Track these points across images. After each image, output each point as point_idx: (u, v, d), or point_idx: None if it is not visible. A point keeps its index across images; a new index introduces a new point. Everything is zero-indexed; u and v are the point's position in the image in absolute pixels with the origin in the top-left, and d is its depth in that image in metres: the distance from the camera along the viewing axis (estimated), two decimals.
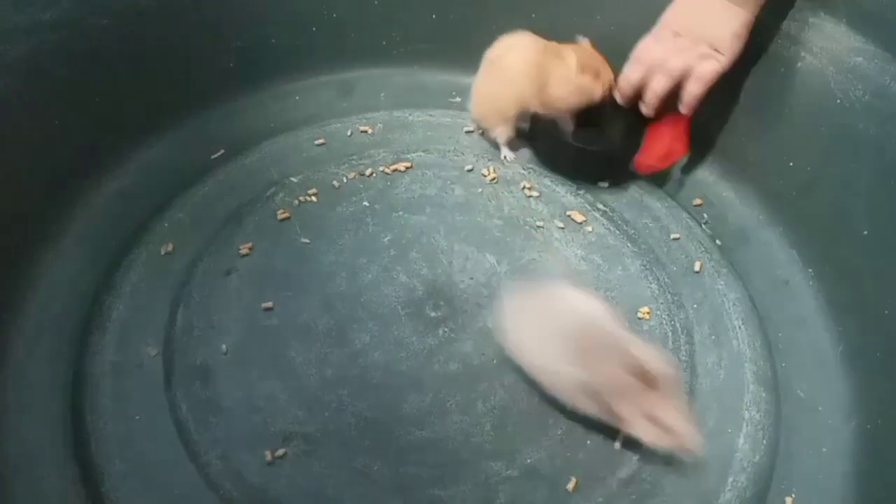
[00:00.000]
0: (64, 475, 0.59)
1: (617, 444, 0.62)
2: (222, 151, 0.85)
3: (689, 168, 0.87)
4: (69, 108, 0.76)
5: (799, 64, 0.77)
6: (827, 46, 0.75)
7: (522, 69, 0.80)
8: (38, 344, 0.66)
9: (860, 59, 0.72)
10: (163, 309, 0.70)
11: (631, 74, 0.76)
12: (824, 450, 0.63)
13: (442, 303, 0.71)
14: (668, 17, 0.76)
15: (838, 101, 0.74)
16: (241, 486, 0.59)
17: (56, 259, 0.72)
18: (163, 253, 0.74)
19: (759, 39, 0.79)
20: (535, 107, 0.81)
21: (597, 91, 0.79)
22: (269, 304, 0.70)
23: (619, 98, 0.79)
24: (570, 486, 0.60)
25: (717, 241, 0.80)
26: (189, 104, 0.87)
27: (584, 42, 0.80)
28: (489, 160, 0.86)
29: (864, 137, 0.72)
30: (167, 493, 0.58)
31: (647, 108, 0.77)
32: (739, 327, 0.72)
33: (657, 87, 0.75)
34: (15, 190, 0.70)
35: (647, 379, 0.56)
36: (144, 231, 0.76)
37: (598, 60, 0.79)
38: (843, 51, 0.74)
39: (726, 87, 0.83)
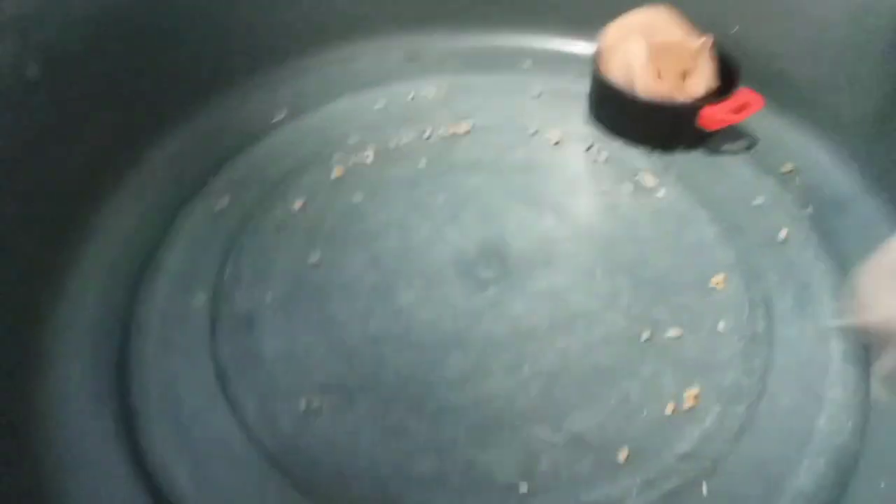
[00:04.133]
0: (104, 418, 0.59)
1: (677, 416, 0.56)
2: (284, 113, 0.85)
3: (777, 130, 0.79)
4: (136, 66, 0.78)
5: None
6: None
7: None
8: (90, 290, 0.67)
9: None
10: (214, 261, 0.70)
11: None
12: None
13: (494, 263, 0.68)
14: None
15: None
16: (274, 434, 0.57)
17: (114, 212, 0.74)
18: (217, 208, 0.74)
19: None
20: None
21: (659, 91, 0.73)
22: (316, 258, 0.68)
23: None
24: (622, 457, 0.54)
25: (808, 209, 0.72)
26: (253, 66, 0.88)
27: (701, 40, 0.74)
28: (555, 124, 0.82)
29: None
30: (202, 438, 0.57)
31: None
32: (828, 301, 0.64)
33: None
34: (80, 143, 0.72)
35: None
36: (202, 187, 0.77)
37: (675, 59, 0.73)
38: None
39: (819, 44, 0.75)
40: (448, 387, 0.59)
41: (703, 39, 0.73)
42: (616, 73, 0.76)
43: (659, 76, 0.73)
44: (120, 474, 0.56)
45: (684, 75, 0.74)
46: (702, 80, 0.74)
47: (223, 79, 0.85)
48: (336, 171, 0.77)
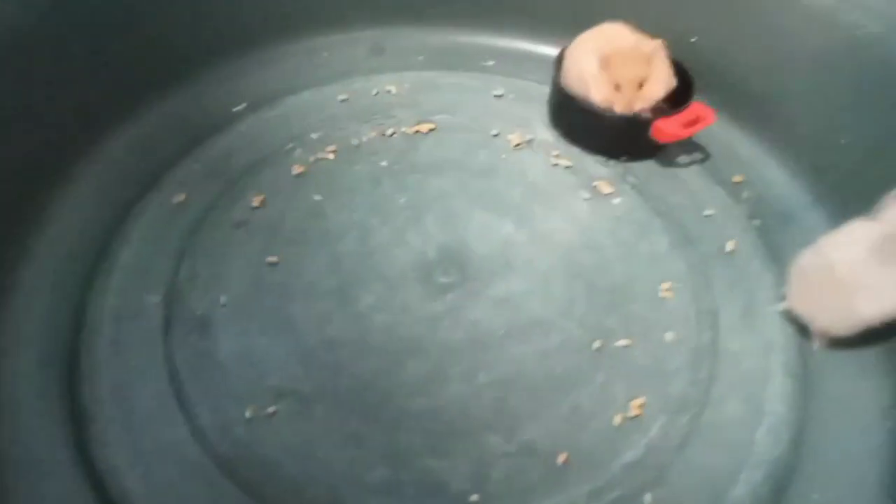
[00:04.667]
0: (53, 416, 0.58)
1: (624, 426, 0.58)
2: (245, 104, 0.83)
3: (730, 142, 0.81)
4: (91, 51, 0.75)
5: (858, 31, 0.71)
6: (891, 12, 0.68)
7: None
8: (42, 284, 0.65)
9: None
10: (169, 258, 0.68)
11: None
12: (855, 450, 0.58)
13: (453, 268, 0.68)
14: None
15: None
16: (227, 440, 0.57)
17: (68, 203, 0.72)
18: (175, 202, 0.73)
19: (814, 2, 0.72)
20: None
21: (618, 102, 0.74)
22: (275, 258, 0.68)
23: None
24: (571, 466, 0.56)
25: (756, 221, 0.74)
26: (214, 56, 0.85)
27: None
28: (517, 126, 0.82)
29: None
30: (153, 441, 0.57)
31: None
32: (772, 314, 0.66)
33: None
34: (33, 131, 0.70)
35: None
36: (158, 180, 0.75)
37: (630, 67, 0.73)
38: None
39: (776, 57, 0.77)
40: (405, 394, 0.60)
41: (655, 43, 0.74)
42: (573, 86, 0.76)
43: (617, 88, 0.73)
44: (68, 476, 0.55)
45: (641, 83, 0.74)
46: (659, 84, 0.75)
47: (182, 68, 0.83)
48: (297, 168, 0.76)
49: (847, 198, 0.70)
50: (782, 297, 0.65)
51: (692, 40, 0.82)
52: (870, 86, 0.70)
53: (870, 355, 0.62)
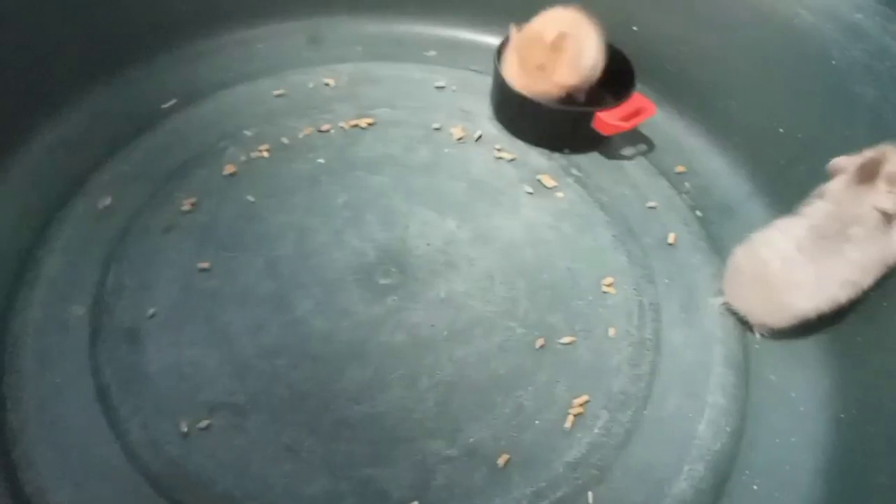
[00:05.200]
0: None
1: (567, 425, 0.58)
2: (175, 101, 0.80)
3: (673, 133, 0.81)
4: (9, 47, 0.71)
5: (795, 20, 0.71)
6: (825, 2, 0.68)
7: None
8: None
9: (860, 15, 0.66)
10: (95, 266, 0.65)
11: None
12: (793, 440, 0.59)
13: (394, 269, 0.67)
14: None
15: (834, 62, 0.68)
16: (159, 458, 0.55)
17: None
18: (101, 207, 0.70)
19: None
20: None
21: (519, 82, 0.74)
22: (207, 264, 0.65)
23: None
24: (514, 467, 0.55)
25: (698, 213, 0.74)
26: (142, 50, 0.82)
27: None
28: (459, 119, 0.81)
29: (860, 102, 0.66)
30: (83, 460, 0.54)
31: None
32: (711, 305, 0.66)
33: None
34: None
35: None
36: (84, 183, 0.71)
37: (533, 51, 0.72)
38: (843, 6, 0.67)
39: (717, 47, 0.77)
40: (345, 401, 0.58)
41: (557, 34, 0.72)
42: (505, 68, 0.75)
43: (521, 67, 0.73)
44: None
45: (543, 68, 0.73)
46: (567, 70, 0.73)
47: (109, 63, 0.79)
48: (229, 167, 0.73)
49: (784, 189, 0.71)
50: (720, 292, 0.65)
51: (633, 28, 0.81)
52: (806, 76, 0.70)
53: (809, 346, 0.63)
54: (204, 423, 0.56)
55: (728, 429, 0.59)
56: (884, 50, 0.64)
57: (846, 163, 0.58)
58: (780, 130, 0.73)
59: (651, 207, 0.74)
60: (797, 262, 0.58)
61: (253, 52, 0.86)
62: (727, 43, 0.77)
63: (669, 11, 0.80)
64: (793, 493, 0.56)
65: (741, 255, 0.62)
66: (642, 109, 0.73)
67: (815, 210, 0.59)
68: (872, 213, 0.57)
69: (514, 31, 0.74)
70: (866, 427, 0.56)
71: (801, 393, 0.61)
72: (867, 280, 0.58)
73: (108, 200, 0.70)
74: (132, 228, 0.68)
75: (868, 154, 0.57)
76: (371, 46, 0.88)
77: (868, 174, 0.56)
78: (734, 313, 0.64)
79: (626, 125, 0.72)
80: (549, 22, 0.74)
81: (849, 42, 0.66)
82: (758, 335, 0.64)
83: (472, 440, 0.57)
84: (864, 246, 0.57)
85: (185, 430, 0.56)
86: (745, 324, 0.64)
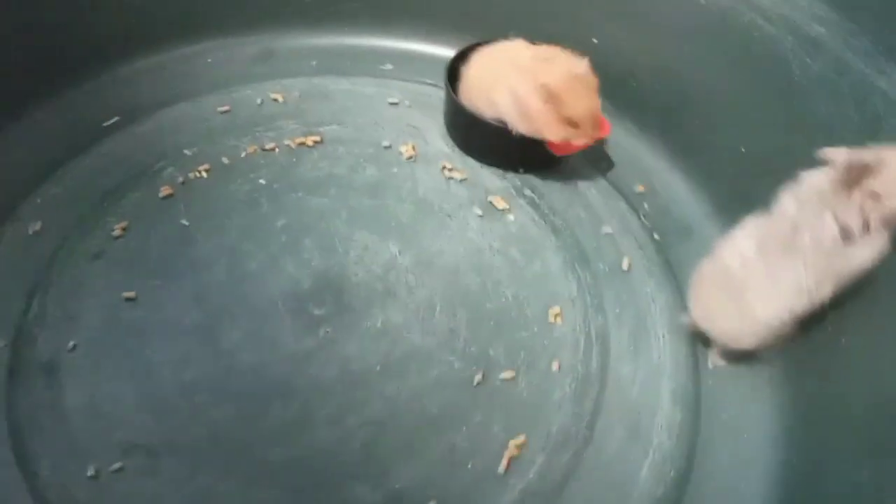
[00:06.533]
0: None
1: (501, 469, 0.55)
2: (117, 118, 0.77)
3: (634, 151, 0.77)
4: None
5: (755, 33, 0.67)
6: (786, 13, 0.64)
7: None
8: None
9: (822, 29, 0.62)
10: (19, 295, 0.63)
11: None
12: (742, 485, 0.55)
13: (329, 298, 0.64)
14: None
15: (796, 77, 0.64)
16: (67, 501, 0.52)
17: None
18: (30, 232, 0.67)
19: (711, 2, 0.69)
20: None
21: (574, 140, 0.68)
22: (132, 293, 0.62)
23: None
24: None
25: (655, 235, 0.71)
26: (86, 67, 0.79)
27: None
28: (410, 137, 0.77)
29: (819, 120, 0.62)
30: None
31: None
32: (664, 336, 0.63)
33: None
34: None
35: None
36: (15, 207, 0.69)
37: (584, 102, 0.66)
38: (804, 18, 0.63)
39: (678, 60, 0.73)
40: (265, 443, 0.55)
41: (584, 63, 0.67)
42: (502, 107, 0.69)
43: (571, 123, 0.67)
44: None
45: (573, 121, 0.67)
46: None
47: (51, 81, 0.76)
48: (165, 189, 0.70)
49: (743, 210, 0.66)
50: (685, 309, 0.62)
51: (594, 41, 0.78)
52: (767, 91, 0.67)
53: (763, 384, 0.60)
54: (116, 466, 0.53)
55: (672, 474, 0.55)
56: (844, 65, 0.60)
57: (837, 156, 0.53)
58: (742, 150, 0.69)
59: (606, 233, 0.70)
60: (756, 264, 0.54)
61: (200, 68, 0.83)
62: (687, 55, 0.73)
63: (629, 22, 0.76)
64: None
65: (706, 264, 0.59)
66: (596, 129, 0.69)
67: (782, 210, 0.55)
68: (834, 223, 0.52)
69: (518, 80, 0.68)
70: (816, 474, 0.52)
71: (752, 433, 0.58)
72: (823, 291, 0.54)
73: (37, 225, 0.67)
74: (60, 255, 0.65)
75: (862, 154, 0.52)
76: (325, 61, 0.85)
77: (853, 178, 0.52)
78: (698, 334, 0.61)
79: (582, 144, 0.68)
80: (515, 56, 0.70)
81: (809, 57, 0.63)
82: (712, 364, 0.61)
83: (398, 485, 0.54)
84: (822, 255, 0.53)
85: (95, 472, 0.53)
86: (706, 345, 0.61)
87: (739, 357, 0.60)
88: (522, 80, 0.67)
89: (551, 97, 0.65)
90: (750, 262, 0.56)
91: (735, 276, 0.56)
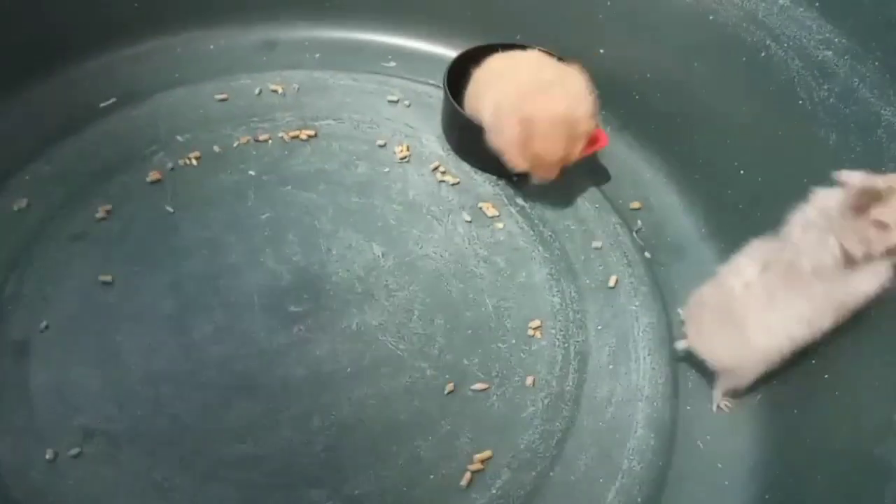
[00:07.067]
0: None
1: (463, 483, 0.53)
2: (114, 100, 0.77)
3: (632, 165, 0.75)
4: None
5: (763, 53, 0.65)
6: (794, 33, 0.62)
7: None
8: None
9: (829, 52, 0.60)
10: None
11: None
12: None
13: (306, 296, 0.63)
14: None
15: (801, 101, 0.62)
16: (22, 484, 0.52)
17: None
18: (15, 209, 0.67)
19: (720, 19, 0.67)
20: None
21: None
22: (109, 277, 0.62)
23: None
24: None
25: (646, 254, 0.69)
26: (85, 46, 0.79)
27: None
28: (406, 136, 0.76)
29: (823, 147, 0.60)
30: None
31: None
32: (644, 358, 0.61)
33: None
34: None
35: None
36: (4, 183, 0.69)
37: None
38: (812, 41, 0.61)
39: (683, 74, 0.71)
40: (226, 439, 0.54)
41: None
42: (483, 114, 0.68)
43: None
44: None
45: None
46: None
47: (49, 57, 0.76)
48: (153, 174, 0.70)
49: (738, 234, 0.64)
50: (683, 335, 0.60)
51: (600, 51, 0.76)
52: (771, 113, 0.65)
53: (743, 414, 0.58)
54: (74, 451, 0.53)
55: (640, 499, 0.54)
56: (851, 92, 0.58)
57: (852, 179, 0.51)
58: (742, 172, 0.67)
59: (596, 247, 0.69)
60: (758, 289, 0.53)
61: (202, 54, 0.82)
62: (693, 72, 0.71)
63: (637, 34, 0.74)
64: None
65: (706, 288, 0.57)
66: (593, 140, 0.68)
67: (787, 234, 0.53)
68: (837, 248, 0.50)
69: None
70: None
71: (728, 464, 0.56)
72: (824, 321, 0.52)
73: (23, 202, 0.67)
74: (42, 234, 0.65)
75: (877, 180, 0.50)
76: (328, 54, 0.84)
77: (863, 203, 0.49)
78: (696, 363, 0.59)
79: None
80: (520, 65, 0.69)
81: (816, 81, 0.61)
82: (716, 407, 0.58)
83: (357, 492, 0.53)
84: (823, 282, 0.51)
85: (53, 456, 0.53)
86: (706, 376, 0.59)
87: (744, 396, 0.58)
88: (511, 102, 0.64)
89: (527, 132, 0.62)
90: (752, 287, 0.54)
91: (737, 302, 0.54)
